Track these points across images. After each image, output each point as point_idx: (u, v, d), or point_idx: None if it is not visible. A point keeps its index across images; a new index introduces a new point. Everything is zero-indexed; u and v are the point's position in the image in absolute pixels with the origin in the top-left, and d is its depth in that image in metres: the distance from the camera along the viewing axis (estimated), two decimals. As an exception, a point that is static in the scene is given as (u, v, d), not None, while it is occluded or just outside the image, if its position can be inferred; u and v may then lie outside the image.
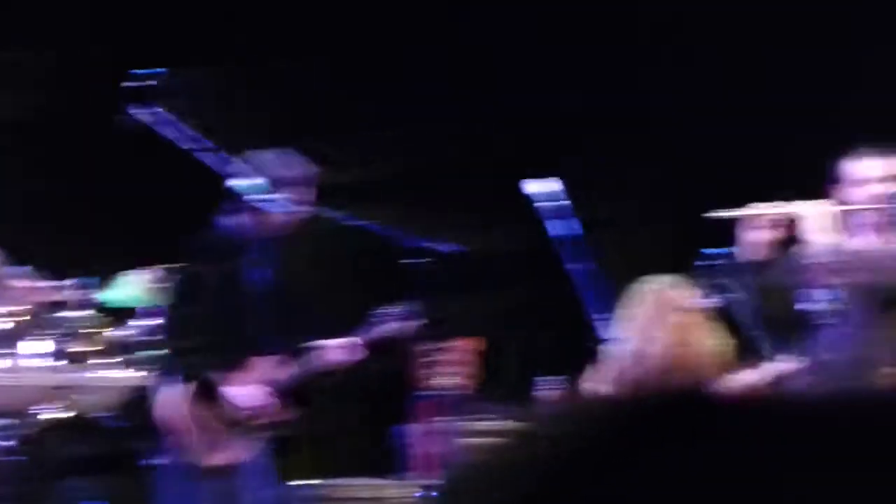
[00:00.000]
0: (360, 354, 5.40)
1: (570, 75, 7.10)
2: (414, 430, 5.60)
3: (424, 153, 7.00)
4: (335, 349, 5.42)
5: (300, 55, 6.88)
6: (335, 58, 7.12)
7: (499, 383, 6.10)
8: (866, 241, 5.55)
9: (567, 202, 5.81)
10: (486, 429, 5.60)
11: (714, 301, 5.44)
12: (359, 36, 7.11)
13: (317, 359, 5.46)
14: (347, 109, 7.03)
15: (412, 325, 5.42)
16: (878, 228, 5.49)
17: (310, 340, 5.48)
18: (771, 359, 5.51)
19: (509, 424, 5.22)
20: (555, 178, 5.82)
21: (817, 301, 5.48)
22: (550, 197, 5.85)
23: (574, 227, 5.74)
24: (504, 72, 7.18)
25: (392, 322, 5.43)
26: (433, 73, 7.11)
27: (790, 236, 5.50)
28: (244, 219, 5.49)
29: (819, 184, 5.57)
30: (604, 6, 7.13)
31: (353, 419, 6.56)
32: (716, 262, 5.43)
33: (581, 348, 5.70)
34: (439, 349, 5.49)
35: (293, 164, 5.52)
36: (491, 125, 7.04)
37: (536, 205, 5.87)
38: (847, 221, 5.57)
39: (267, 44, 6.83)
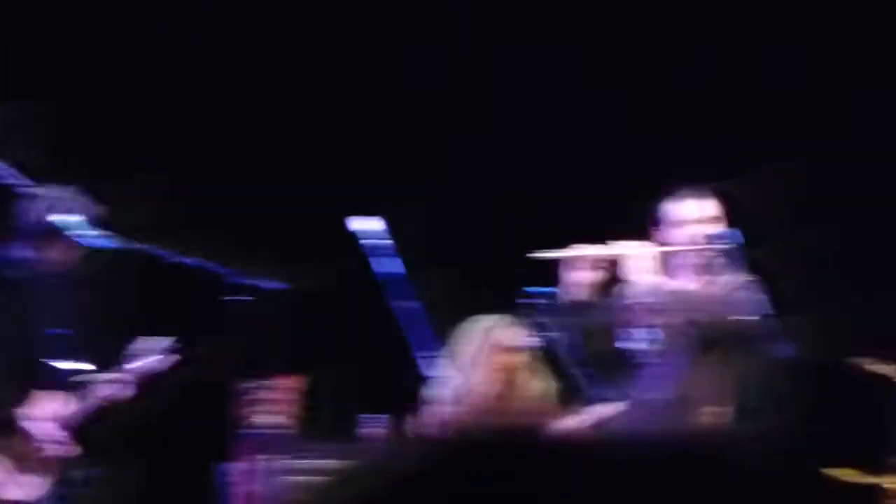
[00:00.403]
0: (129, 390, 5.37)
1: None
2: (236, 468, 5.55)
3: (245, 189, 7.00)
4: (107, 383, 5.39)
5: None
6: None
7: (322, 422, 5.99)
8: (686, 282, 5.60)
9: (390, 240, 5.79)
10: (309, 468, 5.59)
11: (538, 341, 5.50)
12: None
13: (94, 393, 5.45)
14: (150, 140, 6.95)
15: (169, 359, 5.41)
16: (697, 269, 5.56)
17: (92, 374, 5.45)
18: (594, 400, 5.53)
19: (332, 463, 5.15)
20: (378, 216, 5.81)
21: (639, 341, 5.51)
22: (374, 235, 5.81)
23: (397, 265, 5.72)
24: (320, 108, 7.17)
25: (154, 356, 5.41)
26: (255, 111, 7.07)
27: (613, 277, 5.54)
28: (32, 250, 5.47)
29: (641, 225, 5.62)
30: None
31: (163, 456, 6.43)
32: (539, 302, 5.45)
33: (406, 387, 5.70)
34: (262, 387, 5.45)
35: (81, 199, 5.50)
36: (314, 161, 7.01)
37: (361, 242, 5.84)
38: (668, 262, 5.61)
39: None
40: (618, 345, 5.55)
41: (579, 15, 7.02)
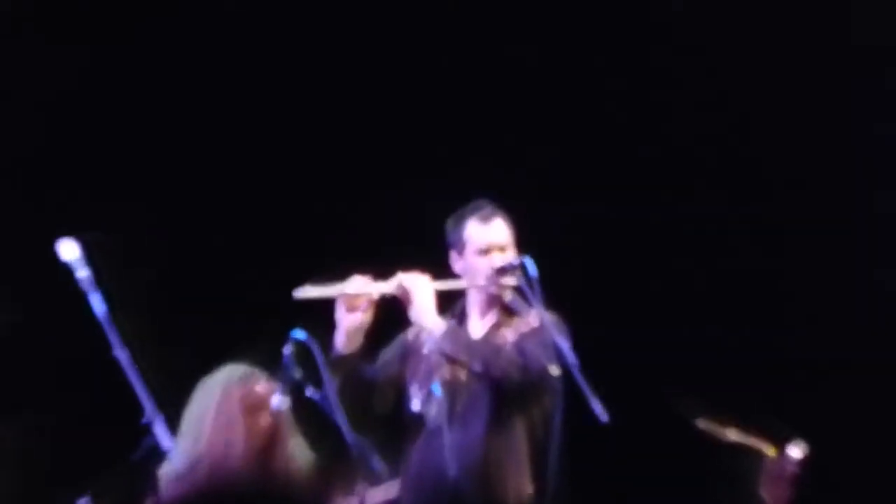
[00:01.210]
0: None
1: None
2: None
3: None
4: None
5: None
6: None
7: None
8: (480, 323, 4.72)
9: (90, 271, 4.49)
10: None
11: (298, 400, 4.50)
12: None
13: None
14: None
15: None
16: (492, 307, 4.69)
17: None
18: (367, 477, 4.61)
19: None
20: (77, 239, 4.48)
21: (423, 401, 4.60)
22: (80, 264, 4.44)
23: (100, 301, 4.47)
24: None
25: None
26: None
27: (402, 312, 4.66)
28: None
29: (427, 253, 4.77)
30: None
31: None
32: (301, 352, 4.46)
33: (126, 456, 4.47)
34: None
35: None
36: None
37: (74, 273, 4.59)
38: (458, 299, 4.75)
39: None
40: (397, 405, 4.71)
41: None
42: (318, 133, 6.28)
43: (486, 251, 4.65)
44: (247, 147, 6.26)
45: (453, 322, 4.66)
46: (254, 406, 4.52)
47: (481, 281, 4.64)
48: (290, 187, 6.18)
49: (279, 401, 4.47)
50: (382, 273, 4.65)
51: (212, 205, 6.19)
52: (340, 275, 4.64)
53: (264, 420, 4.52)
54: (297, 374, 4.41)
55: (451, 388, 4.60)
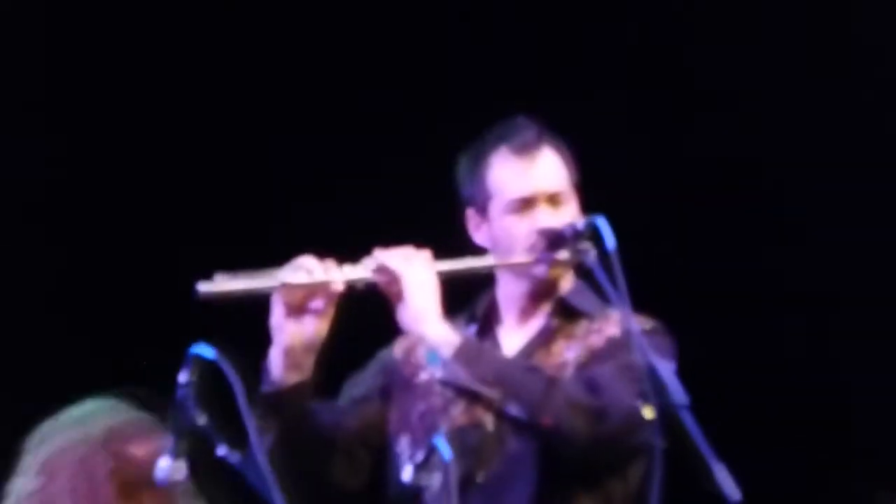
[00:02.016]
0: None
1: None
2: None
3: None
4: None
5: None
6: None
7: None
8: (520, 334, 3.39)
9: None
10: None
11: (208, 464, 3.20)
12: None
13: None
14: None
15: None
16: (535, 300, 3.36)
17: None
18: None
19: None
20: None
21: (422, 463, 3.16)
22: None
23: None
24: None
25: None
26: None
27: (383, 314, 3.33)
28: None
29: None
30: None
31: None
32: (209, 382, 3.11)
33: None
34: None
35: None
36: None
37: None
38: (480, 292, 3.41)
39: None
40: (375, 473, 3.39)
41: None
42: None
43: (527, 205, 3.31)
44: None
45: (471, 331, 3.35)
46: (129, 484, 3.24)
47: (520, 258, 3.31)
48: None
49: (169, 468, 3.09)
50: (350, 253, 3.33)
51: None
52: (279, 258, 3.31)
53: (150, 494, 3.20)
54: (201, 419, 3.07)
55: (469, 443, 3.29)
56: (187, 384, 3.03)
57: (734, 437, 3.20)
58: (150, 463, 3.19)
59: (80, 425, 3.30)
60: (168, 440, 3.11)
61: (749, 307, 4.83)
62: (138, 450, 3.24)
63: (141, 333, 4.39)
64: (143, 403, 3.36)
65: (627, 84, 5.01)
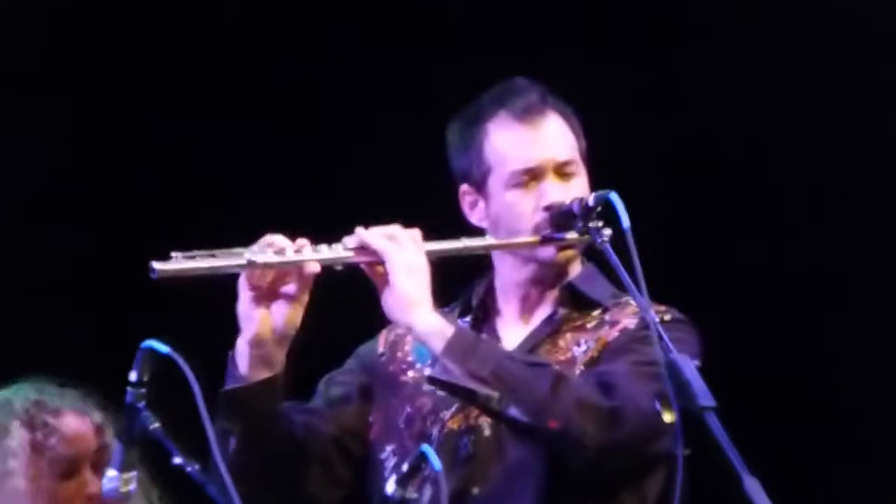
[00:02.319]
0: None
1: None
2: None
3: None
4: None
5: None
6: None
7: None
8: (522, 326, 3.09)
9: None
10: None
11: (163, 473, 3.08)
12: None
13: None
14: None
15: None
16: (540, 287, 3.07)
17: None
18: None
19: None
20: None
21: (409, 472, 2.83)
22: None
23: None
24: None
25: None
26: None
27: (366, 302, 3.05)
28: None
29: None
30: None
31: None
32: (162, 379, 2.80)
33: None
34: None
35: None
36: None
37: None
38: (476, 278, 3.12)
39: None
40: (356, 484, 3.08)
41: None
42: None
43: (532, 178, 3.01)
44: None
45: (465, 323, 3.07)
46: (64, 460, 3.23)
47: (523, 239, 3.03)
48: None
49: (116, 481, 2.78)
50: (327, 231, 3.02)
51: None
52: (244, 236, 2.98)
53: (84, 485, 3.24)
54: (152, 423, 2.75)
55: (463, 451, 3.02)
56: (138, 384, 2.70)
57: (765, 442, 2.95)
58: (82, 438, 3.14)
59: (4, 401, 3.20)
60: (115, 449, 2.78)
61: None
62: (64, 423, 3.13)
63: (93, 324, 4.04)
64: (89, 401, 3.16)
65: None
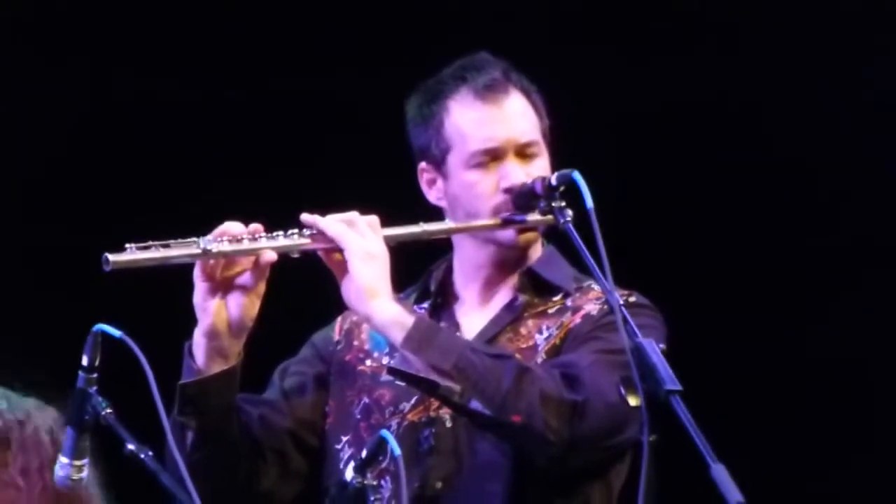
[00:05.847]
0: None
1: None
2: None
3: None
4: None
5: None
6: None
7: None
8: (482, 312, 3.12)
9: None
10: None
11: (115, 461, 2.98)
12: None
13: None
14: None
15: None
16: (501, 271, 3.10)
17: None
18: None
19: None
20: None
21: (364, 461, 2.86)
22: None
23: None
24: None
25: None
26: None
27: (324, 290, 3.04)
28: None
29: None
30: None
31: None
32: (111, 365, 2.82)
33: None
34: None
35: None
36: None
37: None
38: (434, 263, 3.15)
39: None
40: (312, 474, 3.13)
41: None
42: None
43: (493, 158, 3.03)
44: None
45: (423, 309, 3.10)
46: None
47: (484, 221, 3.05)
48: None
49: (68, 468, 2.83)
50: (280, 217, 3.06)
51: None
52: (199, 225, 3.02)
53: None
54: (104, 409, 2.79)
55: (424, 444, 3.05)
56: (89, 368, 2.74)
57: (732, 426, 3.00)
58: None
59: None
60: (66, 436, 2.80)
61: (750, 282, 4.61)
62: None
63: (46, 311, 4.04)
64: (36, 392, 3.11)
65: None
